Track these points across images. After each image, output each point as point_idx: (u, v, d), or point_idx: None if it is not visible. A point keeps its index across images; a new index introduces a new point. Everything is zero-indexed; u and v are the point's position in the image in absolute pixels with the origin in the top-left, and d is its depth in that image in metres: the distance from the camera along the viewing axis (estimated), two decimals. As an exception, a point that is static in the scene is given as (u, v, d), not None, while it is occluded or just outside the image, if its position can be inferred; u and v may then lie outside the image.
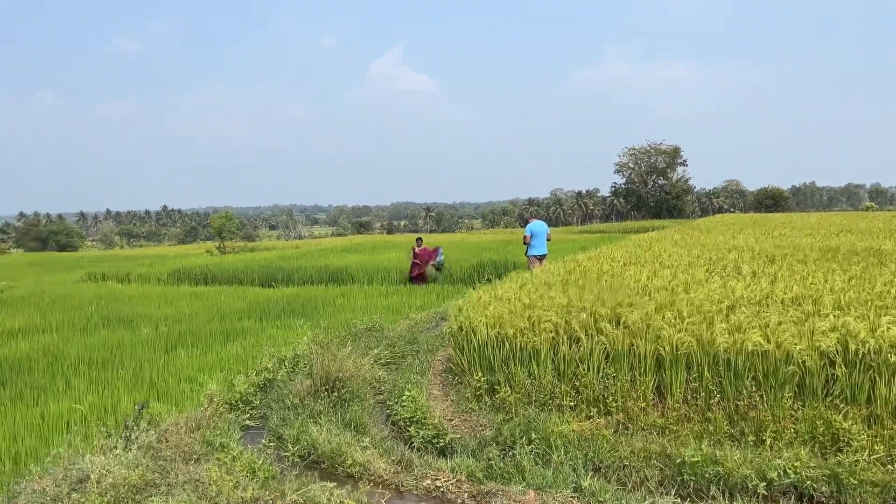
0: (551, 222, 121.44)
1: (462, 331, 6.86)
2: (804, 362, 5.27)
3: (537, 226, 13.30)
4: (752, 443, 5.13)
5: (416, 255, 17.78)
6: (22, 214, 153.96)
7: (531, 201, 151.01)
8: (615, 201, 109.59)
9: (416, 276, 17.56)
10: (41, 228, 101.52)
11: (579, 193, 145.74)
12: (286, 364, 7.58)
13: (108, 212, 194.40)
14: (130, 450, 4.86)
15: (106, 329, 12.03)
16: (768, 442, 5.09)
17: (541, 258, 13.13)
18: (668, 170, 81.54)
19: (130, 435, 5.12)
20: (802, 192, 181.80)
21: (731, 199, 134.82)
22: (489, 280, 16.30)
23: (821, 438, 5.04)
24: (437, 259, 17.86)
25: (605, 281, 8.55)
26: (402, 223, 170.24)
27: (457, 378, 6.94)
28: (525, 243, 13.30)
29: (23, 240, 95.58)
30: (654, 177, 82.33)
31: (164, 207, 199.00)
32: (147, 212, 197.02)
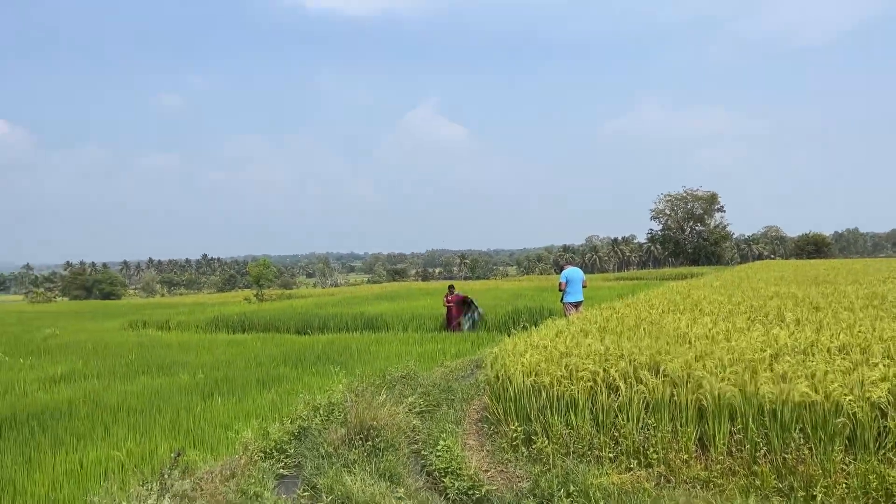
0: (587, 269, 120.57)
1: (498, 379, 6.78)
2: (854, 413, 5.06)
3: (573, 272, 13.21)
4: (801, 498, 4.91)
5: (449, 302, 17.77)
6: (68, 264, 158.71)
7: (566, 248, 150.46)
8: (651, 248, 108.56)
9: (453, 325, 17.52)
10: (86, 277, 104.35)
11: (615, 240, 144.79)
12: (321, 412, 7.55)
13: (150, 261, 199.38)
14: (164, 498, 4.86)
15: (145, 376, 12.19)
16: (819, 498, 4.87)
17: (577, 305, 13.00)
18: (706, 216, 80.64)
19: (165, 483, 5.13)
20: (845, 239, 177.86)
21: (772, 246, 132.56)
22: (524, 327, 16.20)
23: (874, 494, 4.81)
24: (476, 312, 17.79)
25: (644, 328, 8.41)
26: (437, 270, 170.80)
27: (492, 427, 6.82)
28: (560, 290, 13.21)
29: (68, 288, 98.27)
30: (691, 223, 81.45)
31: (204, 256, 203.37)
32: (187, 260, 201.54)
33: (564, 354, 6.91)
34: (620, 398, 5.93)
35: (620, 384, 5.98)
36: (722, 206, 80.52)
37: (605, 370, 6.23)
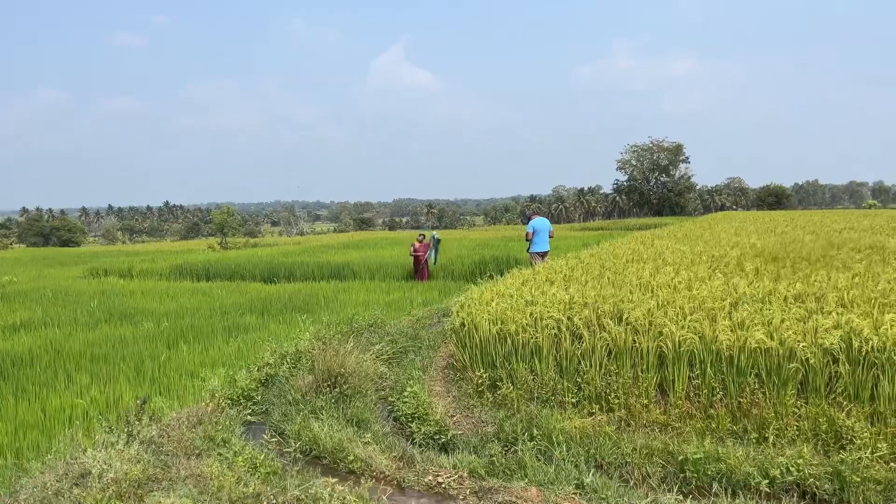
0: (553, 219, 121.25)
1: (464, 327, 6.85)
2: (807, 360, 5.25)
3: (539, 222, 13.27)
4: (754, 440, 5.12)
5: (416, 251, 17.79)
6: (24, 210, 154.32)
7: (533, 198, 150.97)
8: (617, 198, 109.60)
9: (420, 272, 17.58)
10: (44, 224, 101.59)
11: (581, 190, 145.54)
12: (288, 360, 7.57)
13: (111, 208, 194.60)
14: (132, 445, 4.86)
15: (108, 324, 12.05)
16: (771, 439, 5.08)
17: (543, 255, 13.12)
18: (671, 167, 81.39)
19: (132, 430, 5.12)
20: (805, 190, 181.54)
21: (734, 197, 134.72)
22: (491, 276, 16.35)
23: (824, 436, 5.03)
24: (434, 240, 17.94)
25: (608, 277, 8.53)
26: (405, 220, 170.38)
27: (459, 374, 6.93)
28: (527, 240, 13.29)
29: (25, 235, 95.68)
30: (656, 174, 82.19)
31: (166, 203, 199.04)
32: (149, 208, 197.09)
33: (530, 303, 6.99)
34: (584, 345, 6.05)
35: (584, 332, 6.09)
36: (687, 157, 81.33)
37: (569, 318, 6.33)
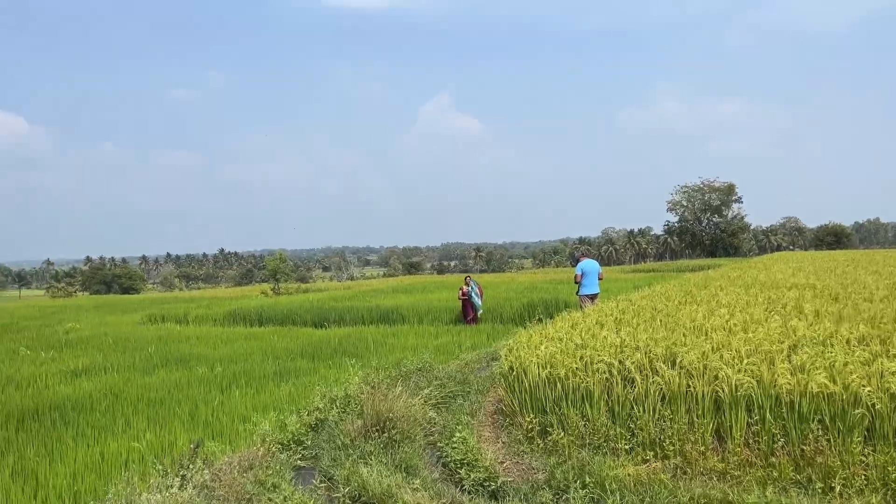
0: (603, 262, 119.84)
1: (513, 371, 6.79)
2: (873, 405, 5.01)
3: (588, 264, 13.16)
4: (820, 490, 4.88)
5: (463, 296, 17.77)
6: (88, 259, 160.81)
7: (582, 240, 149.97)
8: (669, 240, 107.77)
9: (469, 317, 17.53)
10: (106, 272, 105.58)
11: (631, 232, 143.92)
12: (337, 404, 7.60)
13: (168, 255, 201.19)
14: (185, 489, 4.93)
15: (164, 369, 12.34)
16: (838, 489, 4.84)
17: (593, 297, 12.96)
18: (723, 207, 79.75)
19: (185, 474, 5.19)
20: (866, 229, 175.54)
21: (790, 237, 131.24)
22: (540, 320, 16.18)
23: (893, 485, 4.76)
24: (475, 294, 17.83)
25: (660, 320, 8.37)
26: (453, 263, 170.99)
27: (508, 420, 6.84)
28: (576, 282, 13.16)
29: (89, 283, 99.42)
30: (708, 214, 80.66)
31: (221, 250, 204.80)
32: (205, 255, 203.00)
33: (580, 346, 6.90)
34: (636, 390, 5.91)
35: (636, 376, 5.96)
36: (739, 197, 79.63)
37: (620, 362, 6.22)
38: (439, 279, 43.96)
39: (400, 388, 7.44)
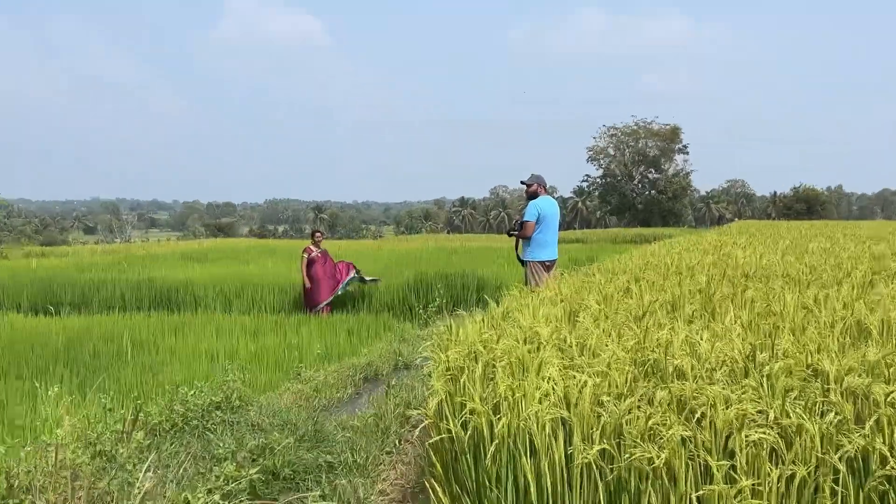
0: (492, 230, 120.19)
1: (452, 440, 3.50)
2: None
3: (548, 204, 9.89)
4: None
5: (311, 259, 14.44)
6: None
7: (465, 202, 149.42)
8: (579, 204, 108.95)
9: (321, 300, 14.25)
10: None
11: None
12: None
13: None
14: None
15: None
16: None
17: (549, 266, 9.82)
18: (663, 159, 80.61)
19: None
20: (827, 198, 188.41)
21: (736, 206, 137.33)
22: (439, 309, 13.06)
23: None
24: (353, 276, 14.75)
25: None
26: (281, 228, 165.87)
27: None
28: (524, 236, 9.73)
29: None
30: (642, 168, 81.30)
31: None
32: None
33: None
34: None
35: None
36: (685, 146, 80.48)
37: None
38: (262, 243, 40.10)
39: (149, 476, 3.90)
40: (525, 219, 9.71)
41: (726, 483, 3.03)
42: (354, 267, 15.02)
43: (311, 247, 14.68)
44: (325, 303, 14.21)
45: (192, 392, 6.45)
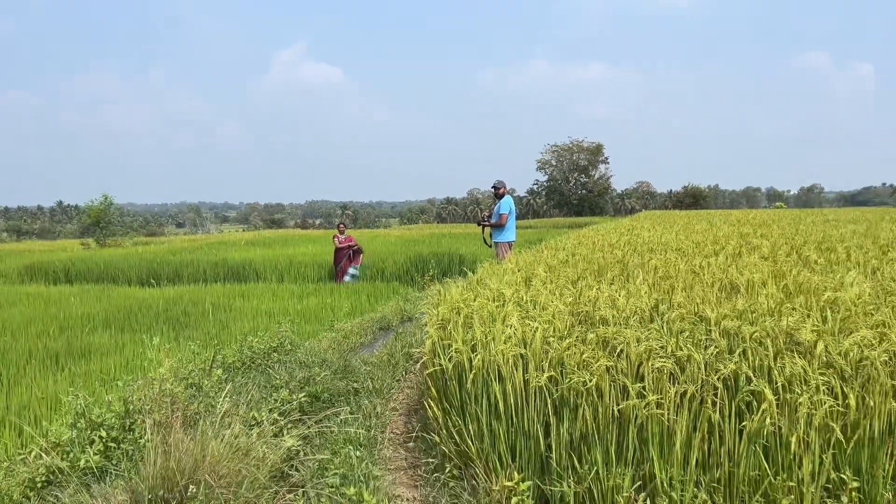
0: (469, 221, 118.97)
1: (456, 372, 3.47)
2: None
3: (511, 202, 9.90)
4: None
5: (340, 243, 14.29)
6: None
7: (449, 200, 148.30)
8: (531, 200, 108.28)
9: (339, 279, 14.04)
10: None
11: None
12: (103, 433, 3.91)
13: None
14: None
15: None
16: None
17: (511, 245, 9.82)
18: (590, 167, 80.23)
19: None
20: (707, 194, 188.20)
21: (643, 201, 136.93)
22: (433, 278, 12.87)
23: None
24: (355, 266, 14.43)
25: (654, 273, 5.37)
26: (318, 221, 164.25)
27: (449, 462, 3.54)
28: (500, 224, 9.68)
29: None
30: (576, 174, 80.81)
31: (59, 203, 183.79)
32: (40, 208, 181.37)
33: (577, 313, 3.70)
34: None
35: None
36: (606, 158, 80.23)
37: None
38: (305, 233, 39.60)
39: (226, 400, 3.88)
40: (501, 212, 9.67)
41: (638, 398, 3.03)
42: (354, 261, 14.62)
43: (338, 234, 14.51)
44: (340, 281, 14.01)
45: (256, 340, 6.39)
